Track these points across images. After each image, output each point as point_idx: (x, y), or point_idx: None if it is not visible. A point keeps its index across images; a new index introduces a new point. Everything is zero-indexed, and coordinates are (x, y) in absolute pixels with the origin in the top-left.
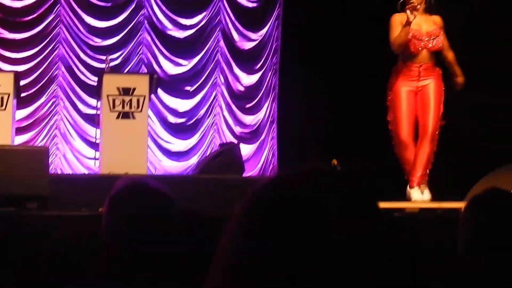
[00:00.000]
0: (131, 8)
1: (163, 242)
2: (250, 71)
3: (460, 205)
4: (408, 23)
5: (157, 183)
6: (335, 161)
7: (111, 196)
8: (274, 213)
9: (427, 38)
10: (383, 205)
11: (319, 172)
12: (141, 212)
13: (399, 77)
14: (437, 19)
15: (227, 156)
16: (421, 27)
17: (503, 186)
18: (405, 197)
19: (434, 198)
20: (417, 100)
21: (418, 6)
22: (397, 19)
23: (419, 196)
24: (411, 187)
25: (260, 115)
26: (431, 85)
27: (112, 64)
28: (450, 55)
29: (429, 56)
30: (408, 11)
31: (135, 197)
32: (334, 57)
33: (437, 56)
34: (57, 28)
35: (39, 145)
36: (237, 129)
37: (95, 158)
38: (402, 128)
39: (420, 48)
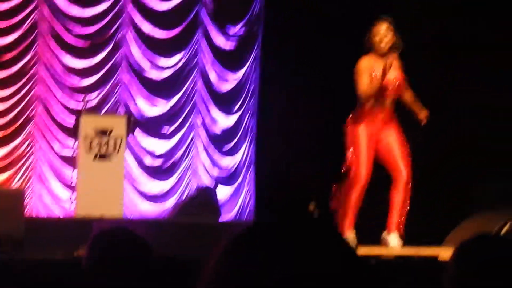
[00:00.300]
0: (109, 48)
1: None
2: (228, 113)
3: (437, 251)
4: (384, 74)
5: (136, 229)
6: (312, 206)
7: (91, 241)
8: (249, 263)
9: (392, 86)
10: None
11: (296, 222)
12: (119, 259)
13: (362, 121)
14: (395, 60)
15: (203, 200)
16: (386, 72)
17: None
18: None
19: (409, 243)
20: (381, 146)
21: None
22: (365, 65)
23: (396, 242)
24: (389, 233)
25: (238, 157)
26: (395, 130)
27: (89, 104)
28: (408, 94)
29: (392, 102)
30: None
31: (114, 244)
32: (312, 101)
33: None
34: (35, 67)
35: (15, 186)
36: (214, 172)
37: (71, 200)
38: (363, 171)
39: (383, 94)
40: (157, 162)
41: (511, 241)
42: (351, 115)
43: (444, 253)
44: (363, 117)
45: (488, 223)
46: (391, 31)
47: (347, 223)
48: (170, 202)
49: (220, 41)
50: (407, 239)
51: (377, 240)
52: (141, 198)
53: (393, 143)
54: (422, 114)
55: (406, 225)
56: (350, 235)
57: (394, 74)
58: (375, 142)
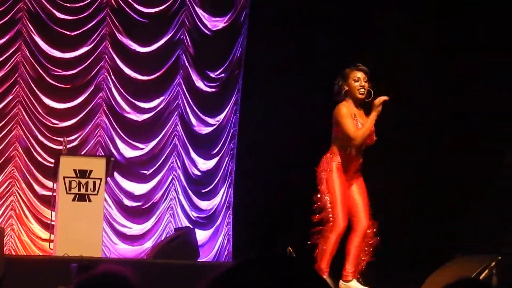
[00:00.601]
0: (89, 91)
1: None
2: (207, 156)
3: None
4: (377, 112)
5: (127, 272)
6: (290, 249)
7: (83, 277)
8: None
9: (371, 134)
10: None
11: (276, 261)
12: None
13: (336, 164)
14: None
15: (182, 241)
16: (360, 120)
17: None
18: None
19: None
20: (349, 192)
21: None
22: (346, 111)
23: (360, 286)
24: (347, 281)
25: (216, 200)
26: (362, 180)
27: (69, 146)
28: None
29: (360, 150)
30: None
31: (104, 283)
32: (292, 145)
33: None
34: (15, 109)
35: None
36: (193, 214)
37: (50, 240)
38: (343, 216)
39: (368, 142)
40: (136, 203)
41: (490, 285)
42: (324, 160)
43: None
44: (339, 157)
45: (467, 267)
46: (368, 80)
47: (324, 267)
48: (149, 243)
49: (201, 85)
50: (385, 283)
51: None
52: (120, 238)
53: (358, 192)
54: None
55: (384, 270)
56: (326, 279)
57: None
58: (348, 186)
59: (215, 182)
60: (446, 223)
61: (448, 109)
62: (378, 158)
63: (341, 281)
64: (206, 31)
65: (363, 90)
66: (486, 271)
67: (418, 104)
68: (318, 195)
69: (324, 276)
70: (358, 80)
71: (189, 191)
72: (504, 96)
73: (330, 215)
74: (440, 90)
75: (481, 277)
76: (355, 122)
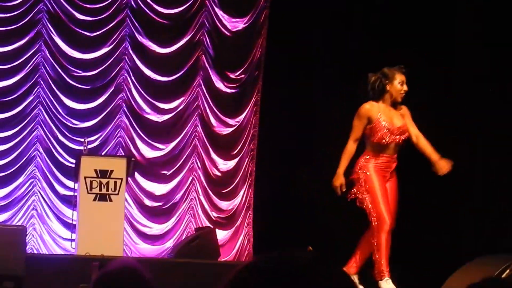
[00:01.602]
0: (110, 91)
1: None
2: (227, 156)
3: None
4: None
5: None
6: (310, 248)
7: (100, 275)
8: None
9: (396, 131)
10: None
11: (296, 258)
12: None
13: (371, 165)
14: (404, 111)
15: (203, 241)
16: (393, 120)
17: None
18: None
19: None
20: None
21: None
22: (364, 112)
23: (393, 287)
24: (384, 279)
25: (236, 200)
26: (396, 179)
27: (90, 146)
28: (421, 142)
29: (395, 148)
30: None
31: (120, 279)
32: (312, 144)
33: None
34: (36, 110)
35: (17, 224)
36: (213, 214)
37: (71, 239)
38: (385, 214)
39: (390, 141)
40: (157, 204)
41: None
42: (361, 161)
43: None
44: (372, 157)
45: (489, 267)
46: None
47: (384, 269)
48: (169, 243)
49: (220, 86)
50: (406, 284)
51: None
52: (140, 238)
53: (390, 192)
54: (440, 164)
55: (405, 270)
56: (386, 280)
57: (398, 123)
58: (385, 183)
59: (235, 183)
60: (466, 222)
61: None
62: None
63: (379, 281)
64: (226, 32)
65: (404, 94)
66: (508, 271)
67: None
68: (358, 197)
69: (385, 276)
70: (403, 83)
71: (210, 192)
72: None
73: (373, 216)
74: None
75: (503, 276)
76: (378, 122)
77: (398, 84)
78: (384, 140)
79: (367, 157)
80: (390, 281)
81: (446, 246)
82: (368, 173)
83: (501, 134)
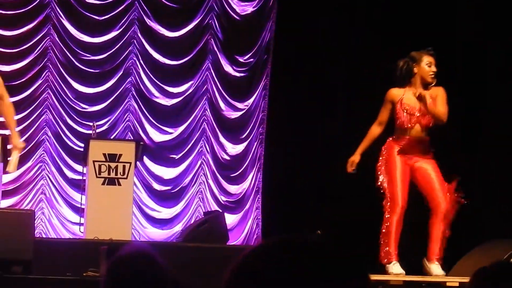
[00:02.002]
0: (118, 75)
1: None
2: (236, 140)
3: (445, 278)
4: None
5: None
6: (319, 233)
7: (114, 259)
8: (258, 283)
9: (417, 113)
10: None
11: (304, 241)
12: (136, 278)
13: (395, 148)
14: (437, 92)
15: (211, 225)
16: (414, 102)
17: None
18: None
19: (415, 271)
20: (416, 175)
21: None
22: (387, 97)
23: (439, 272)
24: (429, 262)
25: (245, 184)
26: (432, 162)
27: (98, 130)
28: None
29: (422, 130)
30: None
31: (134, 264)
32: (321, 127)
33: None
34: (44, 94)
35: (25, 208)
36: (222, 198)
37: (79, 224)
38: (401, 198)
39: (412, 123)
40: (166, 188)
41: None
42: (386, 142)
43: (452, 279)
44: (395, 141)
45: (498, 251)
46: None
47: (391, 250)
48: (178, 227)
49: (229, 69)
50: (416, 266)
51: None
52: (149, 222)
53: (430, 173)
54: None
55: (415, 252)
56: (394, 263)
57: (414, 103)
58: (408, 167)
59: (244, 167)
60: (474, 208)
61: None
62: None
63: (424, 258)
64: (235, 16)
65: (433, 75)
66: None
67: None
68: (379, 177)
69: (393, 260)
70: (431, 65)
71: (218, 176)
72: None
73: (388, 196)
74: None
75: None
76: (399, 106)
77: (426, 65)
78: (405, 124)
79: (391, 139)
80: (398, 264)
81: (454, 230)
82: (388, 154)
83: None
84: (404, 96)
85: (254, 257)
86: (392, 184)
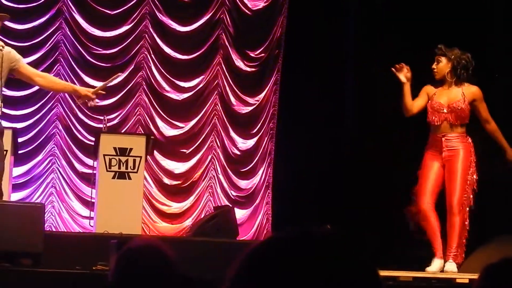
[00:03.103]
0: (130, 69)
1: None
2: (246, 135)
3: (455, 275)
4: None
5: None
6: (329, 227)
7: (124, 250)
8: (266, 275)
9: (445, 110)
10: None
11: (312, 234)
12: (145, 270)
13: (427, 148)
14: (471, 89)
15: (221, 219)
16: (442, 98)
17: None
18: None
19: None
20: (444, 172)
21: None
22: (423, 90)
23: (452, 268)
24: (445, 261)
25: (256, 179)
26: (458, 155)
27: (109, 124)
28: (489, 127)
29: (451, 127)
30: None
31: (143, 256)
32: (331, 122)
33: (468, 126)
34: None
35: (35, 201)
36: (232, 193)
37: (89, 217)
38: (423, 198)
39: (440, 120)
40: (176, 182)
41: None
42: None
43: (462, 276)
44: (429, 141)
45: (508, 247)
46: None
47: (436, 247)
48: (188, 222)
49: (240, 64)
50: (426, 262)
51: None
52: (159, 216)
53: (451, 170)
54: (508, 154)
55: (424, 250)
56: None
57: (450, 100)
58: (440, 167)
59: (254, 162)
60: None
61: None
62: None
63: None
64: (246, 11)
65: (434, 71)
66: None
67: None
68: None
69: (435, 256)
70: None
71: (229, 170)
72: None
73: (415, 198)
74: None
75: None
76: (428, 104)
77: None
78: (432, 122)
79: (428, 140)
80: (436, 261)
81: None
82: (424, 159)
83: None
84: (435, 94)
85: (263, 250)
86: (419, 186)
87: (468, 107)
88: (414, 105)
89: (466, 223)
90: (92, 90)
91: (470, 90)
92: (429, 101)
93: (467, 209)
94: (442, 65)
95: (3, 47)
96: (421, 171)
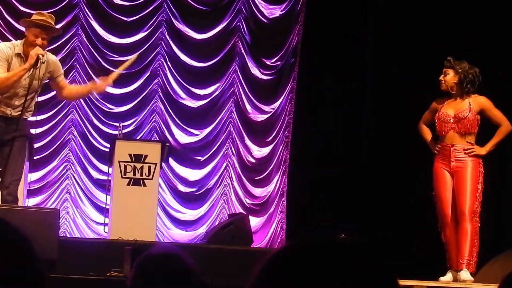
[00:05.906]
0: (145, 76)
1: None
2: (261, 143)
3: (471, 285)
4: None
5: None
6: (343, 236)
7: (143, 257)
8: (286, 281)
9: (452, 120)
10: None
11: (334, 241)
12: (165, 276)
13: (437, 156)
14: (478, 99)
15: (236, 227)
16: (449, 110)
17: None
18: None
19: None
20: (453, 181)
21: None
22: (432, 106)
23: (468, 277)
24: (457, 270)
25: (270, 187)
26: (466, 166)
27: (124, 130)
28: (502, 128)
29: (459, 137)
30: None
31: (163, 262)
32: (347, 130)
33: (478, 136)
34: None
35: (50, 206)
36: (247, 201)
37: (104, 224)
38: (441, 207)
39: (446, 131)
40: (191, 189)
41: None
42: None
43: (477, 286)
44: (438, 151)
45: None
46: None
47: (450, 260)
48: (202, 229)
49: (256, 72)
50: (440, 272)
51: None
52: (173, 223)
53: (460, 179)
54: (479, 150)
55: (438, 259)
56: (463, 271)
57: (457, 111)
58: (450, 176)
59: (269, 170)
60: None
61: None
62: None
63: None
64: (263, 19)
65: (441, 83)
66: None
67: None
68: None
69: (465, 268)
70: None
71: (243, 178)
72: None
73: (437, 213)
74: None
75: None
76: (438, 114)
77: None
78: (439, 133)
79: (438, 149)
80: (450, 272)
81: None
82: (434, 171)
83: None
84: (443, 106)
85: (279, 259)
86: (436, 202)
87: (476, 117)
88: (425, 120)
89: (477, 231)
90: (110, 79)
91: (477, 100)
92: (437, 113)
93: (477, 218)
94: (449, 78)
95: (43, 56)
96: (434, 180)
